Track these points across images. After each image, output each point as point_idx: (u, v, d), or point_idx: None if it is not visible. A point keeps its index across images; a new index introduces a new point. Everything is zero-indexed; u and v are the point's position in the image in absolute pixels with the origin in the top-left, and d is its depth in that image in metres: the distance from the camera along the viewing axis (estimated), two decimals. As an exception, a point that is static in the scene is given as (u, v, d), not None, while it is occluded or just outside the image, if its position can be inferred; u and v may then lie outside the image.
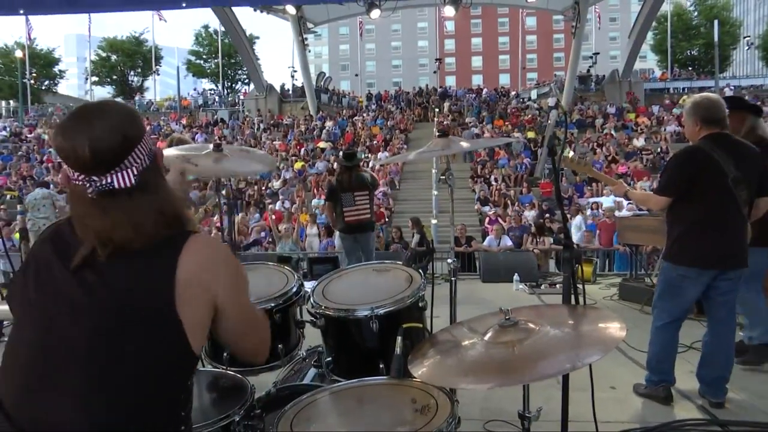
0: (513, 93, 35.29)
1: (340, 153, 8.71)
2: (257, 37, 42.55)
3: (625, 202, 14.71)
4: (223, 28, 33.65)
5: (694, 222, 3.12)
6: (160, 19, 38.41)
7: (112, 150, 1.06)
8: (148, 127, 28.24)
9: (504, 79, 62.16)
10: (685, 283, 3.18)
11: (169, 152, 3.96)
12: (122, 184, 1.07)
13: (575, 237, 10.67)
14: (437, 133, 3.15)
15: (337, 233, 10.17)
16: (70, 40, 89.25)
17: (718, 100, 3.24)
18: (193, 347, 1.09)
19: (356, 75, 58.01)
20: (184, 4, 4.82)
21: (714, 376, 3.24)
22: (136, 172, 1.09)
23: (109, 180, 1.06)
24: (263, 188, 18.89)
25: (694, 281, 3.16)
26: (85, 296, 1.05)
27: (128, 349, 1.04)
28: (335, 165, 20.68)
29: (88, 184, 1.06)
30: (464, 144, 3.83)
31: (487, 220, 14.02)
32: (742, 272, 3.18)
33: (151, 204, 1.10)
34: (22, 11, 4.70)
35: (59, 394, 1.02)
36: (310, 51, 30.10)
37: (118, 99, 40.05)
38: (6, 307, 1.15)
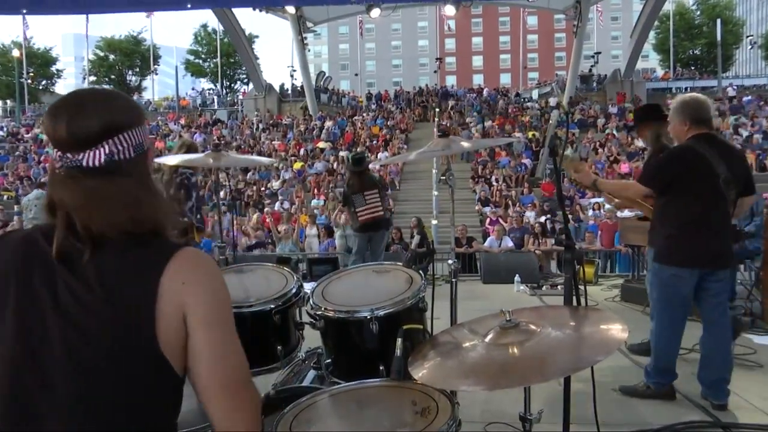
0: (514, 92, 35.33)
1: (348, 157, 8.87)
2: (256, 37, 42.59)
3: (627, 203, 14.75)
4: (222, 28, 33.64)
5: (688, 222, 3.15)
6: (147, 16, 38.36)
7: (90, 130, 1.04)
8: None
9: (505, 79, 62.21)
10: (679, 283, 3.20)
11: (171, 160, 3.97)
12: (90, 163, 1.04)
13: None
14: (437, 133, 3.15)
15: (337, 234, 10.22)
16: (67, 39, 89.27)
17: (705, 101, 3.33)
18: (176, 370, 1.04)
19: (356, 74, 58.03)
20: (189, 5, 4.84)
21: (713, 378, 3.26)
22: (108, 155, 1.05)
23: (79, 157, 1.04)
24: (262, 189, 18.90)
25: (686, 281, 3.19)
26: (60, 317, 0.99)
27: (105, 376, 0.99)
28: (335, 165, 20.70)
29: (59, 161, 1.04)
30: (465, 144, 3.83)
31: (487, 220, 14.02)
32: (728, 272, 3.29)
33: (122, 189, 1.05)
34: (24, 11, 4.71)
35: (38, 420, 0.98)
36: (309, 50, 30.11)
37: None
38: None
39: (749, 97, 26.31)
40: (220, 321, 1.05)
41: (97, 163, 1.05)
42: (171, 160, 4.06)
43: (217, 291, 1.06)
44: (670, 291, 3.24)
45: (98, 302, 0.99)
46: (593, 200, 14.57)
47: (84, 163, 1.04)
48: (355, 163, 6.81)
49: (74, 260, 1.01)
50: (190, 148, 5.10)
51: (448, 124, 24.08)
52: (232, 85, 45.08)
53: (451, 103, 29.50)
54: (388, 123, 26.56)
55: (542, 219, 13.41)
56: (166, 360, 1.01)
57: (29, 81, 38.04)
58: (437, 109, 28.05)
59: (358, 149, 19.12)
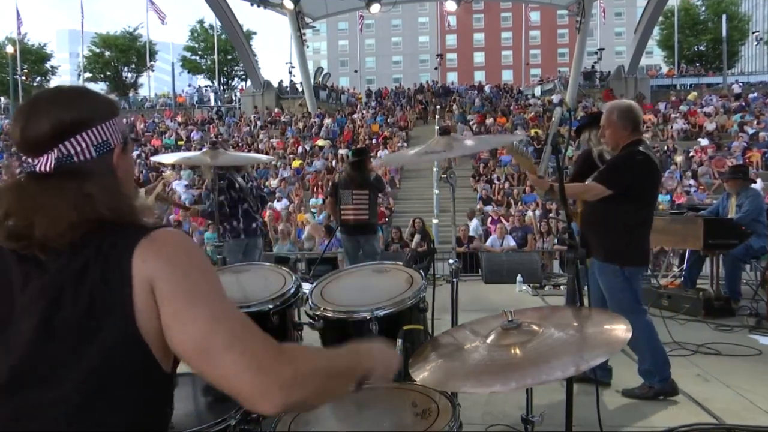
0: (516, 89, 35.31)
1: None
2: (254, 33, 42.57)
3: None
4: (219, 24, 33.61)
5: (640, 224, 3.44)
6: (157, 14, 38.36)
7: (40, 133, 1.03)
8: (141, 125, 28.36)
9: (507, 76, 62.16)
10: (633, 281, 3.45)
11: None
12: (41, 168, 1.02)
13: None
14: (438, 132, 3.16)
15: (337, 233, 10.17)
16: (62, 36, 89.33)
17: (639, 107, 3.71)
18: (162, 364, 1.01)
19: (355, 71, 58.00)
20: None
21: (644, 368, 3.50)
22: (62, 158, 1.03)
23: (34, 163, 1.03)
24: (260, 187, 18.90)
25: (636, 279, 3.47)
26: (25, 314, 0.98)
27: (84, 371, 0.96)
28: (334, 163, 20.69)
29: (19, 167, 1.06)
30: (467, 143, 3.82)
31: (489, 219, 14.02)
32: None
33: (69, 194, 1.01)
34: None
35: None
36: (308, 46, 30.08)
37: (112, 95, 40.13)
38: None
39: (755, 94, 26.27)
40: (187, 291, 0.97)
41: (47, 168, 1.02)
42: (168, 158, 4.09)
43: (181, 263, 1.00)
44: (631, 288, 3.44)
45: (70, 308, 0.97)
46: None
47: (37, 169, 1.03)
48: (353, 154, 6.58)
49: (42, 263, 0.99)
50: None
51: (449, 123, 24.07)
52: (230, 82, 45.07)
53: (453, 104, 29.45)
54: (388, 120, 26.55)
55: (538, 213, 13.44)
56: (150, 353, 0.99)
57: (23, 78, 37.99)
58: (438, 107, 28.04)
59: (359, 147, 19.09)
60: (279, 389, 0.93)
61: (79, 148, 1.04)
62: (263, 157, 11.54)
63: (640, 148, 3.41)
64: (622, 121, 3.45)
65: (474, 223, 13.11)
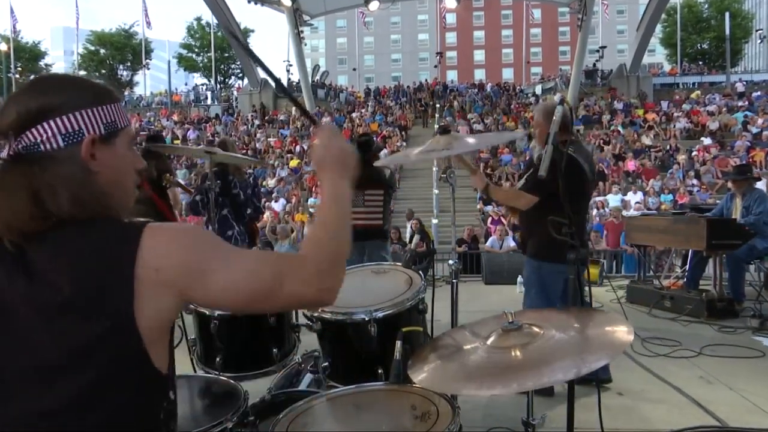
0: (517, 88, 35.32)
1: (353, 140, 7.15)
2: (252, 30, 42.60)
3: (632, 202, 14.80)
4: (215, 21, 33.61)
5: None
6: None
7: (9, 119, 1.02)
8: (137, 124, 28.34)
9: (507, 74, 62.18)
10: (553, 277, 3.46)
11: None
12: (5, 155, 1.02)
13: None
14: (438, 131, 3.16)
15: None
16: (56, 33, 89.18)
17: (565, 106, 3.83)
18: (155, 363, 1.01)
19: (354, 69, 58.01)
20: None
21: None
22: (27, 146, 1.01)
23: (3, 151, 1.02)
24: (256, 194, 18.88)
25: (558, 275, 3.43)
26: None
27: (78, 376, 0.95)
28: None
29: None
30: (468, 140, 3.83)
31: (489, 219, 14.02)
32: None
33: (36, 181, 1.00)
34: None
35: None
36: (306, 44, 30.11)
37: (109, 85, 40.01)
38: None
39: (758, 93, 26.30)
40: (207, 259, 1.02)
41: (10, 153, 1.01)
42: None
43: (189, 243, 1.02)
44: (547, 286, 3.48)
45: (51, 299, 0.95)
46: (597, 198, 14.60)
47: (2, 155, 1.02)
48: (359, 148, 5.12)
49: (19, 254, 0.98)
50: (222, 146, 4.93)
51: (446, 121, 24.08)
52: (226, 80, 45.06)
53: (454, 101, 29.46)
54: (388, 119, 26.55)
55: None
56: (147, 354, 0.98)
57: (17, 76, 37.97)
58: (437, 106, 28.05)
59: (364, 135, 18.99)
60: (329, 281, 1.11)
61: (45, 136, 1.01)
62: (252, 159, 11.06)
63: (568, 151, 3.44)
64: (547, 121, 3.49)
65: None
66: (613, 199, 14.70)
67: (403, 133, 24.58)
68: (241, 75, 41.55)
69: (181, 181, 5.88)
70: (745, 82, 29.79)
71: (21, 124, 1.01)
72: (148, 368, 1.00)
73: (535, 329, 1.57)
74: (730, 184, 6.93)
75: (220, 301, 1.06)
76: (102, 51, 43.98)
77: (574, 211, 3.39)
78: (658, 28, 35.72)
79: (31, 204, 0.98)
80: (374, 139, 6.08)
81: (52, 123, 1.02)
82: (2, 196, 0.99)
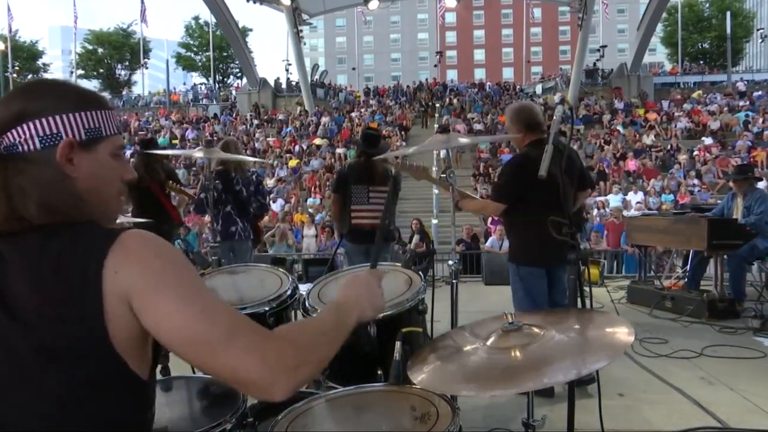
0: (517, 87, 35.33)
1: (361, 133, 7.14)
2: (250, 29, 42.55)
3: (633, 201, 14.80)
4: (214, 20, 33.60)
5: (531, 225, 3.40)
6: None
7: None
8: (135, 123, 28.33)
9: (507, 73, 62.22)
10: (532, 279, 3.59)
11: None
12: None
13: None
14: (437, 130, 3.17)
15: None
16: (54, 32, 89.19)
17: (535, 106, 3.84)
18: (135, 370, 0.99)
19: (353, 69, 58.00)
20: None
21: None
22: (7, 146, 1.02)
23: None
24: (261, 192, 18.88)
25: (537, 277, 3.59)
26: None
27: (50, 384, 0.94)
28: (332, 162, 20.68)
29: None
30: (463, 139, 3.86)
31: (489, 220, 14.02)
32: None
33: (9, 182, 1.01)
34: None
35: None
36: (305, 43, 30.16)
37: (105, 93, 40.08)
38: None
39: (760, 92, 26.33)
40: (170, 290, 0.96)
41: None
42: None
43: (155, 266, 0.98)
44: (526, 287, 3.60)
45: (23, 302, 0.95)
46: (598, 198, 14.61)
47: None
48: (367, 141, 4.99)
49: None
50: (224, 147, 4.99)
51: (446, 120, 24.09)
52: (225, 79, 45.05)
53: (456, 100, 29.48)
54: (387, 119, 26.55)
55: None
56: (124, 363, 0.97)
57: (14, 75, 37.97)
58: (437, 105, 28.06)
59: (370, 129, 18.95)
60: (286, 374, 0.96)
61: (22, 138, 1.03)
62: (255, 159, 11.23)
63: (523, 151, 3.56)
64: (513, 124, 3.63)
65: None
66: (614, 199, 14.71)
67: (403, 132, 24.58)
68: (240, 74, 41.55)
69: (187, 190, 5.92)
70: (746, 82, 29.80)
71: (4, 125, 1.03)
72: (130, 378, 0.99)
73: (535, 330, 1.57)
74: (731, 184, 6.93)
75: (161, 331, 0.96)
76: (100, 50, 43.99)
77: (530, 212, 3.40)
78: (659, 27, 35.74)
79: (5, 204, 0.99)
80: (381, 136, 5.60)
81: (30, 125, 1.03)
82: None
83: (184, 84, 43.46)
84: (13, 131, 1.03)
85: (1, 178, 1.01)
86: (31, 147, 1.03)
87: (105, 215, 1.09)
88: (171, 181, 5.45)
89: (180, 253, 1.05)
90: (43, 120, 1.03)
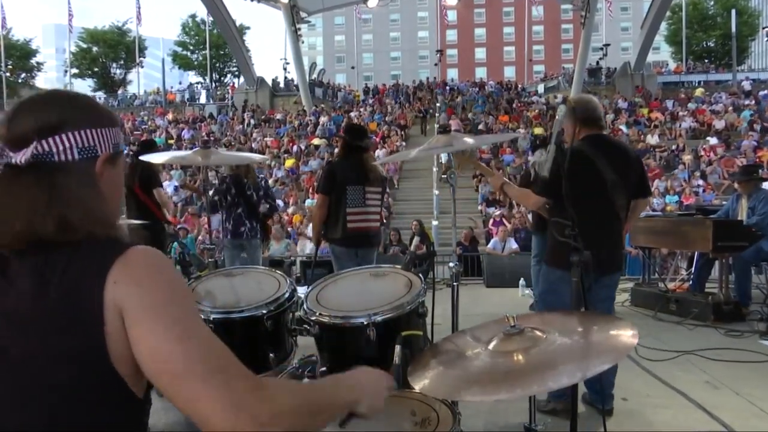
0: (519, 87, 35.36)
1: (343, 129, 6.82)
2: (248, 28, 42.58)
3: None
4: (211, 18, 33.61)
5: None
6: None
7: (26, 128, 1.04)
8: (130, 123, 28.33)
9: (509, 72, 62.24)
10: (563, 285, 3.27)
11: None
12: (18, 161, 1.02)
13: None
14: (438, 130, 3.17)
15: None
16: (48, 30, 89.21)
17: (594, 100, 3.56)
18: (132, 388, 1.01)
19: (352, 67, 58.07)
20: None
21: (594, 380, 3.16)
22: (40, 154, 1.03)
23: (10, 155, 1.03)
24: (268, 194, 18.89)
25: (568, 283, 3.29)
26: None
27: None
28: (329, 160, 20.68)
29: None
30: (467, 140, 3.84)
31: (491, 221, 14.03)
32: (617, 277, 3.46)
33: (43, 189, 1.02)
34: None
35: None
36: (303, 42, 30.15)
37: (99, 93, 40.08)
38: None
39: (765, 92, 26.35)
40: (158, 311, 0.96)
41: (21, 160, 1.02)
42: (157, 158, 4.25)
43: (152, 284, 0.98)
44: (554, 291, 3.35)
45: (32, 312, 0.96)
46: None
47: (13, 161, 1.03)
48: (353, 134, 4.77)
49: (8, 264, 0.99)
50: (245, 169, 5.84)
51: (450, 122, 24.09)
52: (222, 78, 45.04)
53: (459, 99, 29.50)
54: (386, 118, 26.56)
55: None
56: (120, 378, 0.98)
57: (8, 74, 37.95)
58: (438, 104, 28.07)
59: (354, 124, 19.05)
60: (251, 427, 0.90)
61: (61, 147, 1.04)
62: (256, 156, 11.42)
63: (576, 146, 3.30)
64: (567, 118, 3.39)
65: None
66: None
67: (403, 132, 24.59)
68: (237, 73, 41.55)
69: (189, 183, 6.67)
70: (751, 81, 29.84)
71: (37, 131, 1.04)
72: (126, 395, 1.00)
73: (538, 333, 1.57)
74: (735, 185, 6.93)
75: (139, 348, 0.95)
76: (95, 49, 43.94)
77: (578, 213, 3.30)
78: (663, 25, 35.75)
79: (25, 223, 1.00)
80: (368, 132, 5.38)
81: (70, 135, 1.05)
82: (9, 203, 1.02)
83: (180, 83, 43.44)
84: (50, 139, 1.04)
85: (33, 186, 1.02)
86: (70, 157, 1.05)
87: (110, 223, 1.11)
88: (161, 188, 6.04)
89: (182, 279, 1.08)
90: (83, 132, 1.07)
